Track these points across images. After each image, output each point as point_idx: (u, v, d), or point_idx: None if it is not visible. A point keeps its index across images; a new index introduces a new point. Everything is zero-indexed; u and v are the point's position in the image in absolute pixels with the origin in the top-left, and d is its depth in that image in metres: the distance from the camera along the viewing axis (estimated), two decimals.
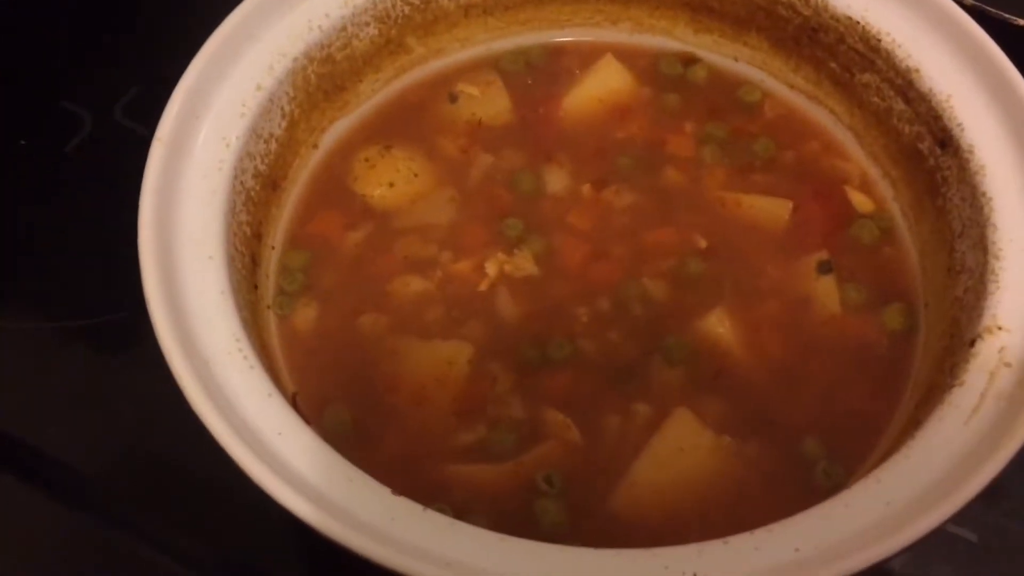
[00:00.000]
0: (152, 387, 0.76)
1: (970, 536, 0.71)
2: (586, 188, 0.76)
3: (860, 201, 0.75)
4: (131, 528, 0.74)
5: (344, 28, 0.74)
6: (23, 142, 0.94)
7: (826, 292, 0.70)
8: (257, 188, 0.69)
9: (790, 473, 0.63)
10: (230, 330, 0.57)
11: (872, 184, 0.76)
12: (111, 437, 0.78)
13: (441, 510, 0.52)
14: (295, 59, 0.71)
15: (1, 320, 0.86)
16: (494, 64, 0.83)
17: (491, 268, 0.71)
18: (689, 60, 0.83)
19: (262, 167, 0.69)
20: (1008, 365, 0.56)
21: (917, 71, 0.70)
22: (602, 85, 0.82)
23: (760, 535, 0.50)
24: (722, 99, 0.82)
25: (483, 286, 0.71)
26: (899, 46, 0.71)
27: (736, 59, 0.82)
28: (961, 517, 0.51)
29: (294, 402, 0.61)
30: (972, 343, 0.58)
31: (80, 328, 0.85)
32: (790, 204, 0.74)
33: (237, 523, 0.73)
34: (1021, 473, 0.53)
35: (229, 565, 0.74)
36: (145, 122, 0.93)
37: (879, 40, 0.72)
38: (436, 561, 0.48)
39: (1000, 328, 0.58)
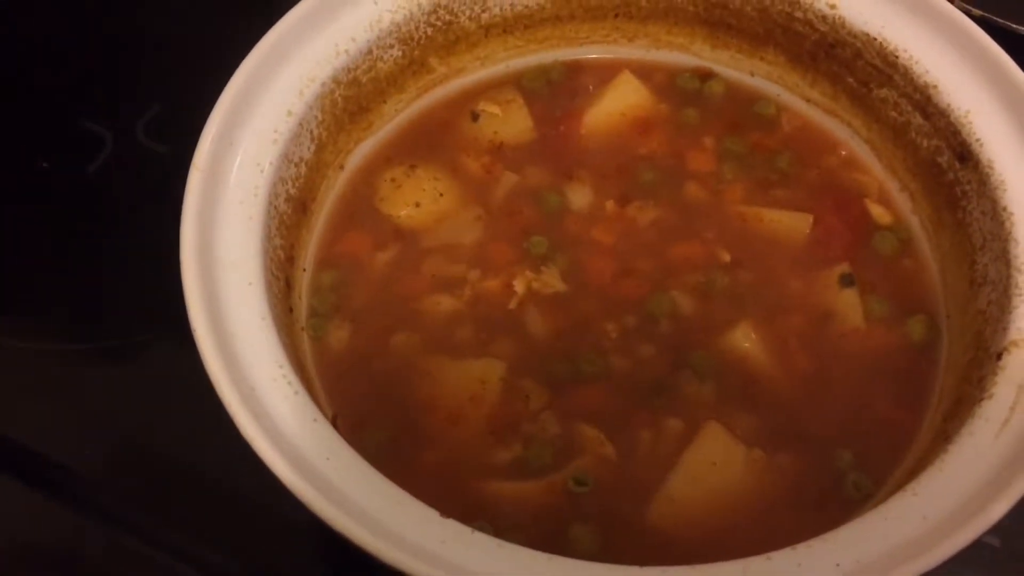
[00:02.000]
0: (174, 403, 0.78)
1: (993, 541, 0.72)
2: (610, 204, 0.77)
3: (879, 214, 0.76)
4: (141, 533, 0.75)
5: (370, 51, 0.75)
6: (45, 164, 0.95)
7: (849, 304, 0.72)
8: (289, 212, 0.69)
9: (820, 485, 0.64)
10: (273, 356, 0.58)
11: (890, 197, 0.77)
12: (130, 448, 0.80)
13: (482, 528, 0.53)
14: (323, 83, 0.71)
15: (22, 340, 0.86)
16: (515, 82, 0.84)
17: (519, 286, 0.72)
18: (706, 75, 0.85)
19: (293, 191, 0.70)
20: None
21: (935, 87, 0.71)
22: (621, 101, 0.83)
23: (802, 551, 0.51)
24: (740, 114, 0.83)
25: (512, 304, 0.72)
26: (917, 62, 0.72)
27: (753, 74, 0.83)
28: None
29: (335, 424, 0.62)
30: (999, 356, 0.59)
31: (101, 349, 0.86)
32: (810, 218, 0.76)
33: (252, 527, 0.74)
34: None
35: (244, 569, 0.75)
36: (166, 142, 0.96)
37: (896, 56, 0.73)
38: None
39: None
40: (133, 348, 0.86)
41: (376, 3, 0.74)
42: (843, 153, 0.80)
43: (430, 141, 0.81)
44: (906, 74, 0.72)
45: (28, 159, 0.95)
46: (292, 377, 0.58)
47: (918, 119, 0.73)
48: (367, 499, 0.52)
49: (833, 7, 0.75)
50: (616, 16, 0.84)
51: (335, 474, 0.53)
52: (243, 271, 0.61)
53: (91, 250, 0.91)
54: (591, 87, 0.84)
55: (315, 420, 0.56)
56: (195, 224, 0.61)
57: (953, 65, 0.70)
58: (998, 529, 0.72)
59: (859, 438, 0.66)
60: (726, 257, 0.74)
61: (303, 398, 0.57)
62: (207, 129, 0.65)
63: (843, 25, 0.75)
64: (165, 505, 0.77)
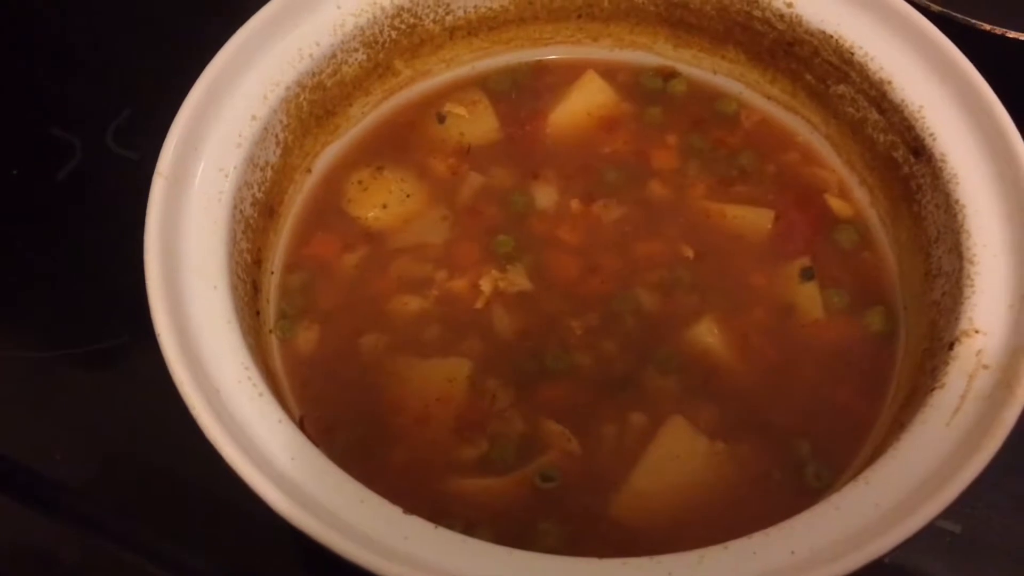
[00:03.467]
0: (148, 407, 0.79)
1: (954, 528, 0.74)
2: (575, 203, 0.78)
3: (839, 207, 0.78)
4: (120, 538, 0.76)
5: (334, 55, 0.75)
6: (15, 171, 0.95)
7: (809, 297, 0.73)
8: (255, 215, 0.70)
9: (781, 475, 0.66)
10: (238, 358, 0.59)
11: (849, 191, 0.79)
12: (106, 453, 0.80)
13: (450, 526, 0.54)
14: (288, 88, 0.72)
15: None
16: (480, 83, 0.85)
17: (486, 285, 0.73)
18: (669, 74, 0.86)
19: (259, 195, 0.71)
20: (986, 367, 0.59)
21: (889, 83, 0.72)
22: (586, 101, 0.84)
23: (757, 539, 0.52)
24: (703, 111, 0.84)
25: (479, 303, 0.72)
26: (872, 59, 0.73)
27: (715, 72, 0.84)
28: (945, 510, 0.53)
29: (302, 425, 0.63)
30: (951, 346, 0.61)
31: (75, 355, 0.86)
32: (772, 213, 0.77)
33: (231, 532, 0.75)
34: (1002, 467, 0.56)
35: (225, 574, 0.75)
36: (136, 147, 0.96)
37: (852, 53, 0.74)
38: None
39: (977, 331, 0.61)
40: (107, 353, 0.86)
41: (339, 7, 0.75)
42: (801, 150, 0.81)
43: (397, 143, 0.82)
44: (862, 71, 0.74)
45: None
46: (257, 379, 0.58)
47: (874, 115, 0.74)
48: (331, 498, 0.53)
49: (790, 6, 0.76)
50: (579, 17, 0.85)
51: (299, 474, 0.54)
52: (208, 275, 0.62)
53: (63, 256, 0.91)
54: (556, 87, 0.85)
55: (280, 421, 0.57)
56: (159, 229, 0.62)
57: (907, 61, 0.72)
58: (958, 516, 0.75)
59: (819, 428, 0.67)
60: (689, 253, 0.75)
61: (268, 399, 0.57)
62: (170, 135, 0.65)
63: (800, 23, 0.76)
64: (144, 510, 0.77)
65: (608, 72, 0.86)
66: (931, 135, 0.69)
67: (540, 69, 0.86)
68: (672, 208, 0.78)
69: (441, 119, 0.83)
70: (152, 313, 0.58)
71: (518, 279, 0.74)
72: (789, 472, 0.66)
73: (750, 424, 0.68)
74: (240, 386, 0.57)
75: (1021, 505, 0.75)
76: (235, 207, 0.67)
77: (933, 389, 0.59)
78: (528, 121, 0.83)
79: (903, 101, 0.71)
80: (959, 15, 0.91)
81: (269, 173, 0.72)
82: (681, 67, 0.85)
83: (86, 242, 0.91)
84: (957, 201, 0.66)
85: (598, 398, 0.69)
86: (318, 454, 0.55)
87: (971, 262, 0.64)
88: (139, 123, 0.97)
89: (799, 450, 0.66)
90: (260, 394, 0.58)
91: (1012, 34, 0.87)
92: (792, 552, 0.52)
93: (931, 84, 0.70)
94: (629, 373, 0.70)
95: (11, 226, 0.93)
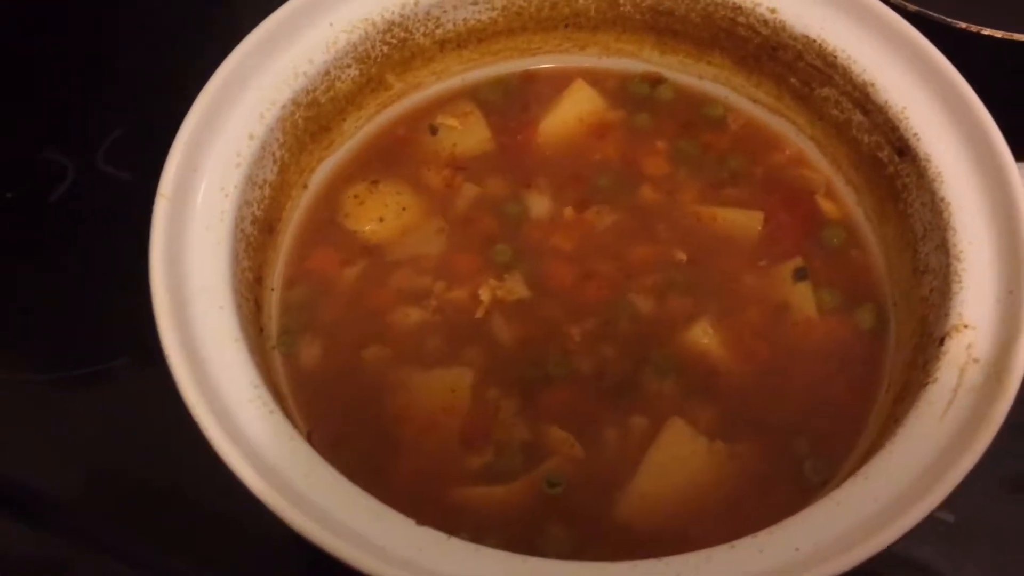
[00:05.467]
0: (149, 426, 0.79)
1: (948, 517, 0.76)
2: (568, 210, 0.79)
3: (828, 208, 0.79)
4: (127, 557, 0.76)
5: (327, 72, 0.76)
6: (8, 194, 0.95)
7: (802, 297, 0.74)
8: (255, 233, 0.71)
9: (780, 472, 0.67)
10: (247, 377, 0.60)
11: (836, 191, 0.80)
12: (99, 473, 0.81)
13: (458, 535, 0.55)
14: (283, 106, 0.73)
15: None
16: (471, 95, 0.86)
17: (484, 294, 0.74)
18: (656, 80, 0.87)
19: (258, 212, 0.72)
20: (976, 361, 0.61)
21: (872, 85, 0.74)
22: (575, 109, 0.85)
23: (763, 537, 0.54)
24: (690, 116, 0.85)
25: (479, 312, 0.73)
26: (854, 62, 0.75)
27: (701, 78, 0.86)
28: None
29: (310, 440, 0.63)
30: (941, 341, 0.62)
31: (71, 377, 0.87)
32: (761, 215, 0.78)
33: (229, 545, 0.76)
34: (992, 455, 0.58)
35: None
36: (127, 168, 0.96)
37: (835, 56, 0.76)
38: None
39: (966, 326, 0.62)
40: (103, 374, 0.86)
41: (332, 25, 0.76)
42: (788, 152, 0.83)
43: (391, 156, 0.83)
44: (845, 74, 0.75)
45: None
46: (267, 397, 0.59)
47: (858, 116, 0.76)
48: (346, 513, 0.54)
49: (773, 11, 0.78)
50: (566, 26, 0.86)
51: (314, 491, 0.55)
52: (213, 295, 0.63)
53: (56, 279, 0.91)
54: (546, 96, 0.86)
55: (292, 438, 0.58)
56: (163, 252, 0.62)
57: (889, 63, 0.73)
58: (952, 506, 0.76)
59: (815, 424, 0.69)
60: (682, 257, 0.77)
61: (278, 417, 0.58)
62: (171, 156, 0.66)
63: (783, 28, 0.78)
64: (147, 528, 0.78)
65: (596, 80, 0.87)
66: (915, 135, 0.71)
67: (529, 79, 0.87)
68: (664, 213, 0.79)
69: (433, 131, 0.84)
70: (160, 335, 0.59)
71: (516, 287, 0.75)
72: (788, 468, 0.67)
73: (748, 423, 0.69)
74: (251, 405, 0.58)
75: (1013, 492, 0.77)
76: (236, 226, 0.67)
77: (926, 384, 0.61)
78: (519, 130, 0.84)
79: (887, 102, 0.73)
80: (935, 14, 0.93)
81: (267, 191, 0.73)
82: (667, 73, 0.87)
83: (79, 264, 0.92)
84: (942, 199, 0.68)
85: (599, 403, 0.70)
86: (330, 470, 0.56)
87: (958, 259, 0.65)
88: (130, 143, 0.97)
89: (797, 447, 0.68)
90: (271, 412, 0.58)
91: (987, 31, 0.89)
92: (796, 549, 0.53)
93: (913, 85, 0.72)
94: (628, 377, 0.71)
95: (4, 249, 0.93)
